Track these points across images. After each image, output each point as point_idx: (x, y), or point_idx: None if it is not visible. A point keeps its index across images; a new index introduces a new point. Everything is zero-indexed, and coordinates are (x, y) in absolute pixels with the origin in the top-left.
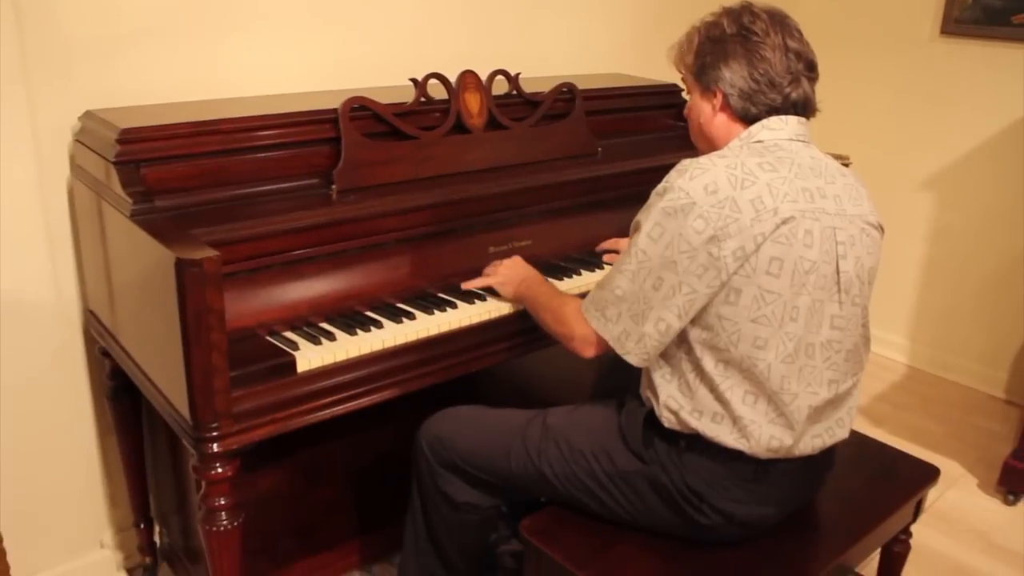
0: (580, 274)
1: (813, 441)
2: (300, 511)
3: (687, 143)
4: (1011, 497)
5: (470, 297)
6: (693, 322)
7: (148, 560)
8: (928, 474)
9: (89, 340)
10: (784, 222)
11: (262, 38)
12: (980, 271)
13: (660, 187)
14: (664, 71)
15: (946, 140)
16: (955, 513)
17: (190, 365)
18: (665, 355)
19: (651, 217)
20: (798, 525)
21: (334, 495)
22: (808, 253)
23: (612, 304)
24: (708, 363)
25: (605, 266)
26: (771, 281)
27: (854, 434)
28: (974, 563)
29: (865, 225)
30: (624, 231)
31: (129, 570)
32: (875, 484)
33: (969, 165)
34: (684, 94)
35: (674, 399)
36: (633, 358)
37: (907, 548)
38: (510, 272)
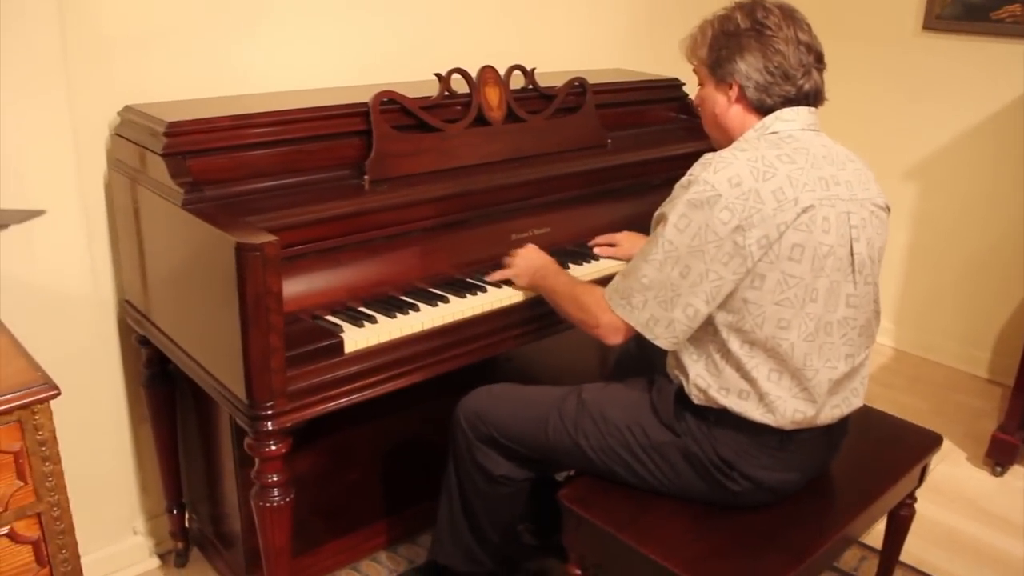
0: (597, 260)
1: (832, 411)
2: (328, 494)
3: (689, 135)
4: (999, 468)
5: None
6: (719, 306)
7: (180, 545)
8: (931, 441)
9: (123, 330)
10: (804, 211)
11: (289, 35)
12: (961, 256)
13: (684, 180)
14: (658, 66)
15: (928, 130)
16: (947, 484)
17: (248, 346)
18: (691, 337)
19: (677, 209)
20: (816, 490)
21: (360, 478)
22: (826, 238)
23: (638, 292)
24: (734, 344)
25: (599, 259)
26: (793, 266)
27: (862, 406)
28: (967, 529)
29: (874, 208)
30: (635, 218)
31: (161, 556)
32: (883, 452)
33: (950, 154)
34: (696, 85)
35: (702, 378)
36: (663, 342)
37: (912, 512)
38: (524, 263)
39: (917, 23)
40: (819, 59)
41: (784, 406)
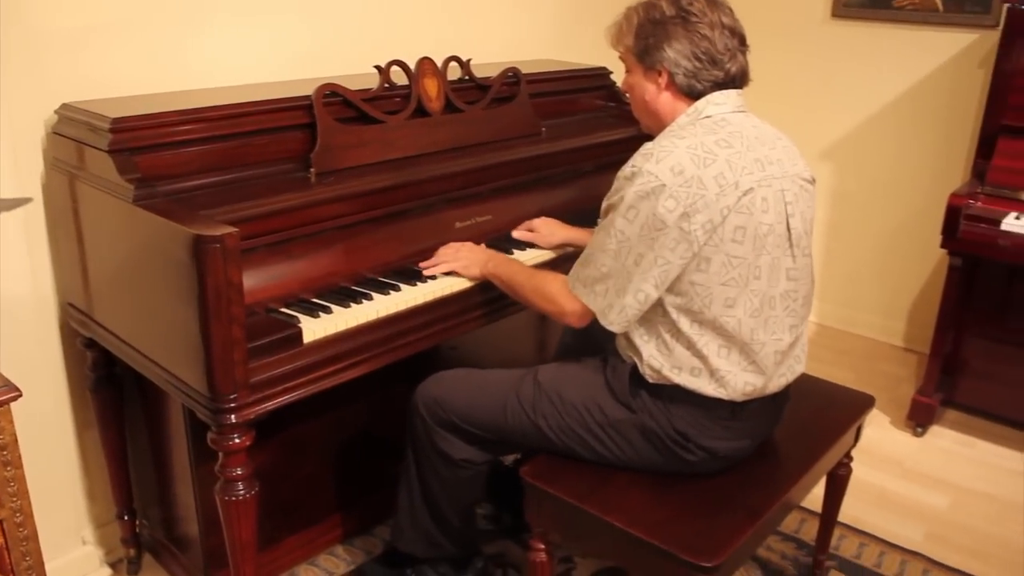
0: (533, 246)
1: (779, 380)
2: (281, 491)
3: (618, 122)
4: (919, 429)
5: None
6: (668, 290)
7: (132, 552)
8: (864, 403)
9: (66, 334)
10: (745, 193)
11: (226, 29)
12: (875, 233)
13: (627, 171)
14: (583, 54)
15: (841, 112)
16: (874, 447)
17: (210, 339)
18: (641, 319)
19: (625, 200)
20: (764, 454)
21: (313, 473)
22: (765, 218)
23: (600, 281)
24: (684, 324)
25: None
26: (736, 247)
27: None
28: (894, 487)
29: (803, 182)
30: (571, 203)
31: (112, 564)
32: (821, 415)
33: (862, 135)
34: (623, 72)
35: (655, 358)
36: (616, 327)
37: (849, 472)
38: (472, 256)
39: (826, 11)
40: (742, 41)
41: (735, 380)
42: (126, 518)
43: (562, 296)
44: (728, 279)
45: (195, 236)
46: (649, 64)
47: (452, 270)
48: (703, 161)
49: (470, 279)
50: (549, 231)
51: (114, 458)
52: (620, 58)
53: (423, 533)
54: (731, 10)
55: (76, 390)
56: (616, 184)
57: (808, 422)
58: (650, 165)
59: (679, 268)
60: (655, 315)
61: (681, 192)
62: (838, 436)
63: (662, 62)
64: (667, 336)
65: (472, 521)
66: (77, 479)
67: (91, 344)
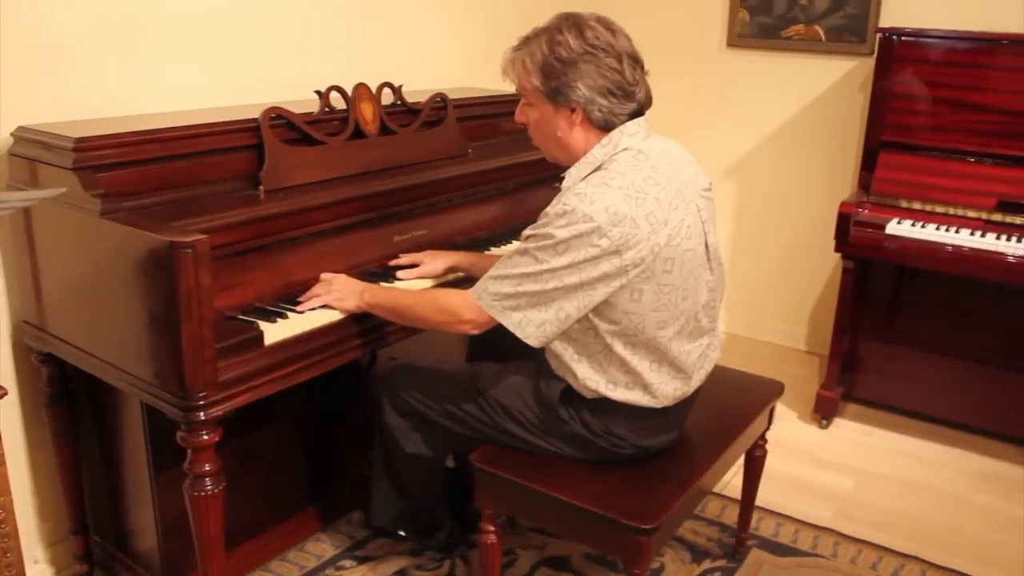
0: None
1: (700, 374)
2: (235, 497)
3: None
4: (824, 422)
5: (388, 277)
6: (601, 318)
7: (84, 568)
8: (774, 388)
9: (18, 354)
10: (674, 229)
11: (169, 58)
12: (776, 244)
13: (559, 209)
14: (495, 82)
15: (739, 134)
16: (785, 440)
17: (181, 339)
18: (572, 340)
19: (556, 236)
20: (690, 434)
21: (266, 479)
22: (689, 244)
23: (511, 297)
24: (618, 347)
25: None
26: (667, 276)
27: (714, 367)
28: (805, 474)
29: (705, 193)
30: (499, 219)
31: None
32: (737, 400)
33: (760, 154)
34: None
35: (590, 378)
36: (533, 340)
37: (764, 453)
38: (346, 287)
39: (722, 41)
40: (643, 66)
41: (665, 388)
42: (79, 534)
43: (461, 306)
44: (659, 305)
45: (168, 242)
46: (562, 103)
47: (326, 303)
48: (635, 201)
49: (343, 312)
50: (432, 259)
51: (68, 473)
52: (519, 90)
53: (389, 505)
54: (626, 34)
55: (28, 411)
56: (545, 219)
57: (726, 406)
58: (584, 206)
59: (604, 295)
60: (587, 337)
61: (615, 232)
62: (753, 417)
63: (577, 101)
64: (600, 356)
65: (434, 495)
66: (28, 498)
67: (47, 359)
